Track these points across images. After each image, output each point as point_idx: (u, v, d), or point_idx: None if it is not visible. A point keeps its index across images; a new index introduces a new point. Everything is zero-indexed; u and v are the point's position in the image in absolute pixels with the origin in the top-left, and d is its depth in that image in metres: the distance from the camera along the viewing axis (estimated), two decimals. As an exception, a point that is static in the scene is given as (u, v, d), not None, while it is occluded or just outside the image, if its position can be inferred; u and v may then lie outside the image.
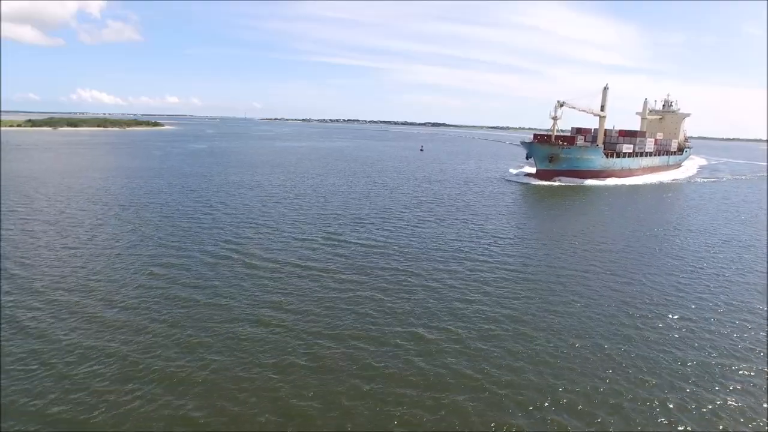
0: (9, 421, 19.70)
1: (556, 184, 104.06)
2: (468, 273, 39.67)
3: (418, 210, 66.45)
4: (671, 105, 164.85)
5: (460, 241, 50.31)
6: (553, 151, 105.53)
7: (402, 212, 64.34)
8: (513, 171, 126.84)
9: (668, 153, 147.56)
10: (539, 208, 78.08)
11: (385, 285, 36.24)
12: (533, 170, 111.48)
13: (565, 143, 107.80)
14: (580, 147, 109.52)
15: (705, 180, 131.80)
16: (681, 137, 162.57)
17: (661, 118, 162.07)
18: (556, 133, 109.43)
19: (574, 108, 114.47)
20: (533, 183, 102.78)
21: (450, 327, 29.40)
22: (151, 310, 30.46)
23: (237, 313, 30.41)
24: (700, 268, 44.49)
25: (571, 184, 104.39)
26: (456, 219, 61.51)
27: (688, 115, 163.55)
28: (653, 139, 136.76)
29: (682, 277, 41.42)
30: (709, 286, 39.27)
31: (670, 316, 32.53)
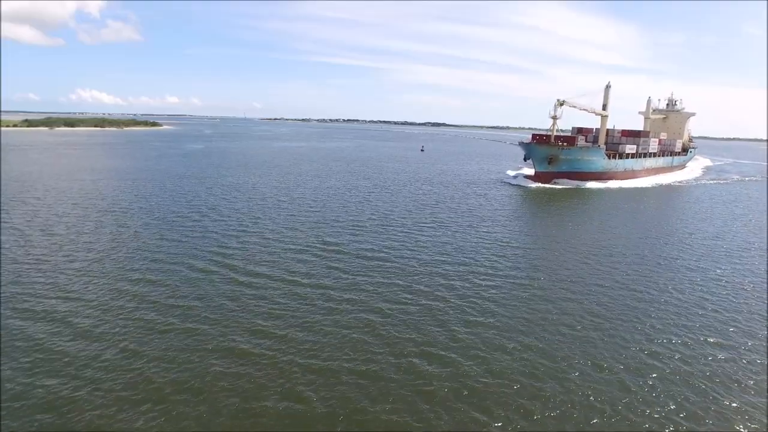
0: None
1: (556, 187, 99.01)
2: (468, 292, 36.40)
3: (418, 215, 63.35)
4: (675, 104, 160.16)
5: (454, 254, 46.78)
6: (552, 152, 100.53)
7: (402, 219, 61.03)
8: (511, 173, 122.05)
9: (672, 154, 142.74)
10: (537, 214, 73.94)
11: (381, 306, 32.89)
12: (532, 172, 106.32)
13: (565, 144, 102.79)
14: (581, 148, 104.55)
15: (712, 181, 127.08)
16: (685, 137, 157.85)
17: (664, 118, 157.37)
18: (555, 133, 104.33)
19: (574, 107, 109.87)
20: (531, 186, 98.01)
21: (453, 357, 26.19)
22: (110, 338, 27.19)
23: (211, 344, 27.04)
24: (724, 278, 41.35)
25: (572, 187, 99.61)
26: (452, 227, 57.92)
27: (692, 114, 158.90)
28: (657, 140, 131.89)
29: (706, 291, 38.37)
30: (735, 300, 36.37)
31: (702, 340, 29.46)
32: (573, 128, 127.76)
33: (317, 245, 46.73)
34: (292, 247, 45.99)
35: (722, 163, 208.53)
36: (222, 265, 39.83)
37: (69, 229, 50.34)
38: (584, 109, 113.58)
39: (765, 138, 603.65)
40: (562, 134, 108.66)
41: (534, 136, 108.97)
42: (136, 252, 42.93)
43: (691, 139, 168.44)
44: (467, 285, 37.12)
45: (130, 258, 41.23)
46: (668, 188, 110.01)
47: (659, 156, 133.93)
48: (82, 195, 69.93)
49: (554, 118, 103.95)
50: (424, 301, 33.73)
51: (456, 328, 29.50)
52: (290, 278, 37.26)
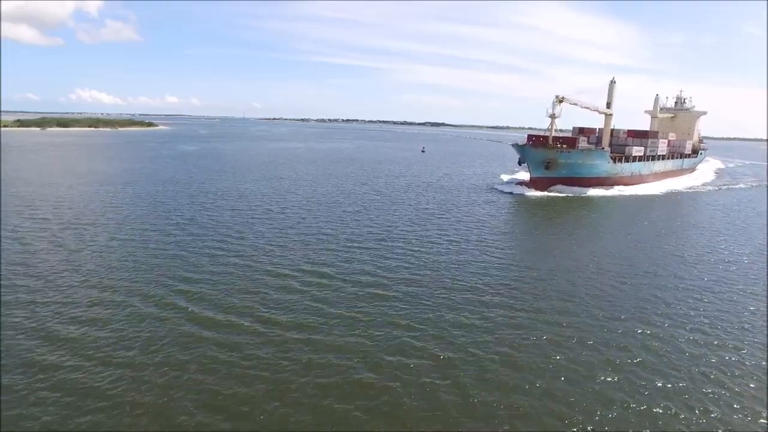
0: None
1: (554, 194, 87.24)
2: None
3: (417, 230, 54.86)
4: (684, 102, 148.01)
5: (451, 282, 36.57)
6: (549, 155, 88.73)
7: (401, 235, 52.59)
8: (504, 177, 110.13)
9: (682, 156, 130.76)
10: (532, 227, 61.88)
11: (373, 362, 25.33)
12: (527, 177, 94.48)
13: (564, 146, 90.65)
14: (583, 150, 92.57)
15: (727, 187, 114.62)
16: (695, 138, 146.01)
17: (673, 117, 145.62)
18: (554, 134, 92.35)
19: (575, 105, 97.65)
20: (526, 194, 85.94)
21: None
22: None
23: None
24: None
25: (572, 195, 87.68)
26: (443, 248, 47.96)
27: (704, 113, 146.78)
28: (666, 140, 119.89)
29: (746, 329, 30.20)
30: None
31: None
32: (574, 128, 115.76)
33: (305, 269, 39.53)
34: (275, 270, 38.98)
35: (734, 165, 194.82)
36: (185, 296, 32.94)
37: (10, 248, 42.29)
38: (586, 107, 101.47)
39: (765, 138, 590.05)
40: (561, 135, 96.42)
41: (530, 137, 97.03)
42: (84, 280, 35.54)
43: (701, 140, 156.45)
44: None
45: (72, 290, 33.64)
46: (681, 196, 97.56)
47: (668, 158, 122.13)
48: (48, 203, 62.97)
49: (552, 116, 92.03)
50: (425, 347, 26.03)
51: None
52: (264, 318, 29.97)
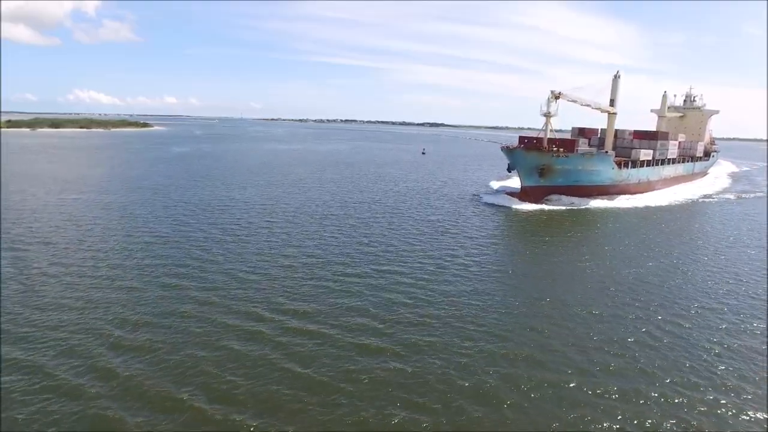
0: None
1: (549, 207, 74.05)
2: None
3: (413, 255, 42.14)
4: (694, 100, 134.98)
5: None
6: (544, 160, 75.47)
7: (394, 263, 40.71)
8: (494, 185, 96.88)
9: (693, 159, 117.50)
10: (517, 254, 48.18)
11: None
12: (519, 185, 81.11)
13: (561, 150, 77.14)
14: (583, 155, 79.23)
15: (746, 195, 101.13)
16: (707, 139, 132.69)
17: (682, 116, 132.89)
18: (549, 136, 79.02)
19: (574, 102, 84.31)
20: (514, 207, 72.54)
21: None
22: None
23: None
24: None
25: (570, 208, 74.46)
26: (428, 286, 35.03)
27: (716, 112, 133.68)
28: (677, 142, 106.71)
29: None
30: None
31: None
32: (573, 129, 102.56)
33: (283, 309, 31.73)
34: (245, 309, 31.60)
35: (749, 168, 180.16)
36: (133, 343, 26.93)
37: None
38: (587, 105, 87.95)
39: (765, 138, 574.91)
40: (558, 137, 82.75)
41: (521, 138, 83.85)
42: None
43: (713, 141, 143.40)
44: None
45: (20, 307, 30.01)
46: (699, 207, 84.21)
47: (679, 162, 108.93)
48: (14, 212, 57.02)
49: (548, 115, 78.67)
50: None
51: None
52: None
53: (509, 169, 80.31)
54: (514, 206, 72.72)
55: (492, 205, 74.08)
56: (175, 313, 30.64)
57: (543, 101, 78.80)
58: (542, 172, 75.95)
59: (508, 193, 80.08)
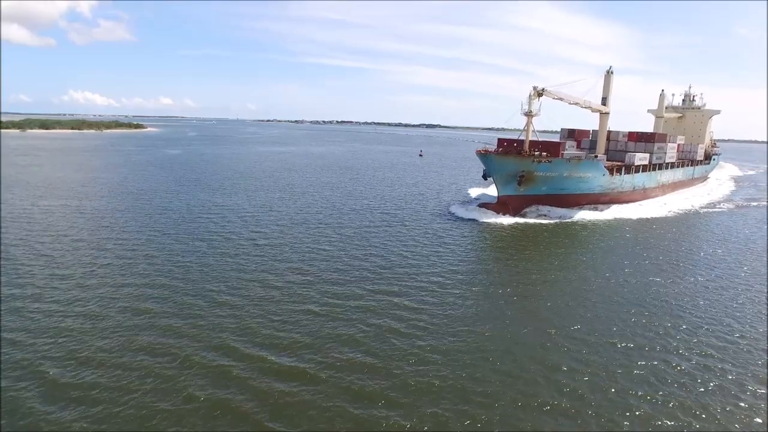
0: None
1: (528, 221, 64.36)
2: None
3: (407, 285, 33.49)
4: (694, 99, 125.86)
5: None
6: (523, 166, 65.70)
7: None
8: (473, 193, 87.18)
9: (693, 162, 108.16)
10: (488, 282, 38.26)
11: None
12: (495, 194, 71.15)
13: (544, 154, 67.22)
14: (569, 159, 69.38)
15: (754, 203, 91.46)
16: (707, 141, 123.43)
17: (681, 117, 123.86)
18: (532, 137, 69.23)
19: (560, 99, 74.76)
20: (490, 221, 62.74)
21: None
22: None
23: None
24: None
25: (553, 221, 64.80)
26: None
27: (716, 112, 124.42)
28: (676, 145, 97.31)
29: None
30: None
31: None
32: (562, 130, 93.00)
33: (262, 355, 26.10)
34: (213, 360, 25.51)
35: (754, 172, 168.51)
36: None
37: None
38: (575, 103, 78.22)
39: (764, 139, 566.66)
40: (542, 139, 72.68)
41: (501, 141, 74.00)
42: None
43: (714, 143, 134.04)
44: None
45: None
46: (702, 219, 74.21)
47: (677, 166, 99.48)
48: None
49: (529, 114, 68.79)
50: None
51: None
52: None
53: (485, 176, 70.31)
54: (484, 220, 62.84)
55: (465, 220, 64.07)
56: (130, 349, 26.26)
57: (524, 99, 69.29)
58: (522, 179, 66.16)
59: (482, 204, 70.04)
